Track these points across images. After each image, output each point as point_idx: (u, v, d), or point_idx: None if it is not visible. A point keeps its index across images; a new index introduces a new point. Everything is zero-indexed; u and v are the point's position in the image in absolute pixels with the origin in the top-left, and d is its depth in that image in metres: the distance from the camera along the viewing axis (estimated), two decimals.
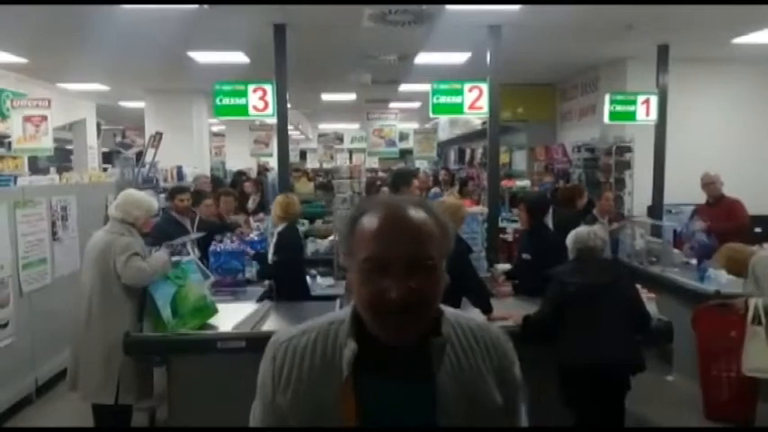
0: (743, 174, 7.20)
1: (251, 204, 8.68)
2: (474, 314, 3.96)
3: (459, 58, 7.86)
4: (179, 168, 8.91)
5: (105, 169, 10.55)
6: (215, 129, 16.76)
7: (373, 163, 18.40)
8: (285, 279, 4.59)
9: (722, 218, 5.95)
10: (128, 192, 4.10)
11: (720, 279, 4.87)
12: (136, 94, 11.43)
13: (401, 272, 1.07)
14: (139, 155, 8.39)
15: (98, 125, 12.59)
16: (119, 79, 10.07)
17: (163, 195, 8.08)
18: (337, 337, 1.17)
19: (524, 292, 4.43)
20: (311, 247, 6.64)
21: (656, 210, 7.34)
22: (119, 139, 13.50)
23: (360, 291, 1.11)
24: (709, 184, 6.32)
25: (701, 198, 6.47)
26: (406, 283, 1.07)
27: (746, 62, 7.99)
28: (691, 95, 7.93)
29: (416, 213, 1.13)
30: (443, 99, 6.45)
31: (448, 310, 1.24)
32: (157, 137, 7.89)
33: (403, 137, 12.16)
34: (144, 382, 3.93)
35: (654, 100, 7.23)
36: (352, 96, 12.35)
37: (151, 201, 4.12)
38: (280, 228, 4.68)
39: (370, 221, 1.13)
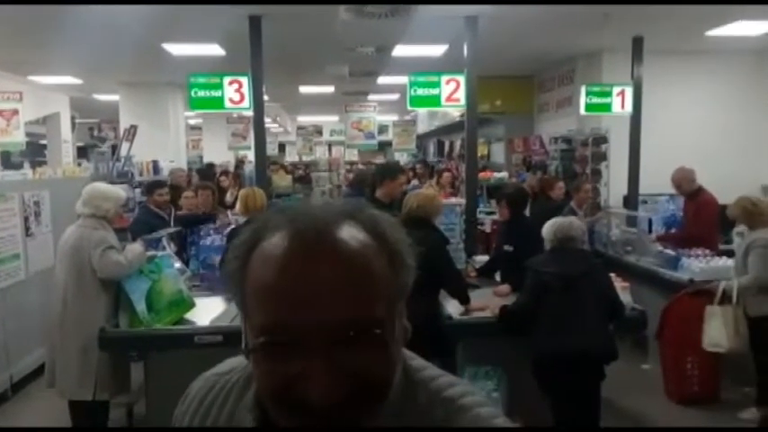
0: (717, 164, 7.31)
1: (229, 198, 8.62)
2: (452, 305, 3.99)
3: (437, 50, 7.87)
4: (155, 162, 8.82)
5: (80, 164, 10.40)
6: (192, 122, 16.59)
7: (353, 156, 18.40)
8: None
9: (695, 212, 5.79)
10: (92, 186, 4.03)
11: (693, 267, 4.95)
12: (110, 87, 11.25)
13: (324, 351, 0.65)
14: (115, 149, 8.29)
15: (72, 119, 12.38)
16: (92, 72, 9.89)
17: (138, 190, 8.02)
18: (242, 396, 0.83)
19: (507, 283, 4.46)
20: None
21: (631, 200, 7.43)
22: (96, 132, 13.33)
23: (258, 376, 0.71)
24: (678, 187, 5.85)
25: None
26: (334, 367, 0.65)
27: (720, 54, 8.10)
28: (665, 87, 8.02)
29: (349, 238, 0.69)
30: (421, 91, 6.45)
31: (429, 374, 0.80)
32: (132, 130, 7.80)
33: (382, 129, 12.15)
34: (121, 377, 3.90)
35: (629, 92, 7.30)
36: (330, 89, 12.30)
37: (118, 190, 4.05)
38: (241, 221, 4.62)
39: (266, 259, 0.69)
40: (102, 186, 4.05)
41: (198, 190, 6.27)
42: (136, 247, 3.86)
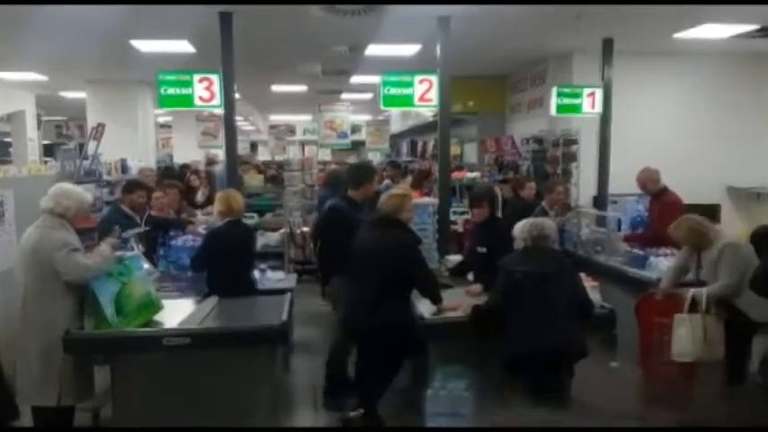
0: (683, 165, 7.44)
1: (200, 197, 8.50)
2: (425, 305, 3.99)
3: (410, 49, 7.87)
4: (123, 161, 8.66)
5: (46, 162, 10.16)
6: (161, 120, 16.34)
7: (326, 155, 18.30)
8: (215, 274, 4.44)
9: (660, 211, 5.81)
10: (59, 184, 3.95)
11: (661, 267, 5.02)
12: (77, 85, 11.02)
13: None
14: (82, 147, 8.12)
15: (38, 116, 12.11)
16: (58, 69, 9.68)
17: (106, 189, 7.86)
18: None
19: (481, 285, 4.47)
20: (261, 240, 6.56)
21: (600, 200, 7.53)
22: (64, 131, 13.06)
23: None
24: (642, 187, 5.99)
25: None
26: None
27: (687, 56, 8.26)
28: (634, 88, 8.15)
29: None
30: (394, 91, 6.44)
31: None
32: (99, 129, 7.64)
33: (355, 129, 12.15)
34: (85, 381, 3.81)
35: (599, 93, 7.40)
36: (303, 88, 12.23)
37: (83, 193, 3.96)
38: (218, 223, 4.56)
39: None
40: (68, 185, 3.96)
41: (165, 189, 6.15)
42: (104, 250, 3.77)
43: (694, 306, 4.07)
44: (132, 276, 3.79)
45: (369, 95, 13.09)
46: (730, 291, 4.03)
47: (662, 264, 5.05)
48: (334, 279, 4.69)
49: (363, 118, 14.24)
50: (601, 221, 6.75)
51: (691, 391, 4.52)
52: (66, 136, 12.37)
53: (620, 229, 6.47)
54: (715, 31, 7.02)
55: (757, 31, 6.99)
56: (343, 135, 11.07)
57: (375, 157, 16.02)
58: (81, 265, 3.59)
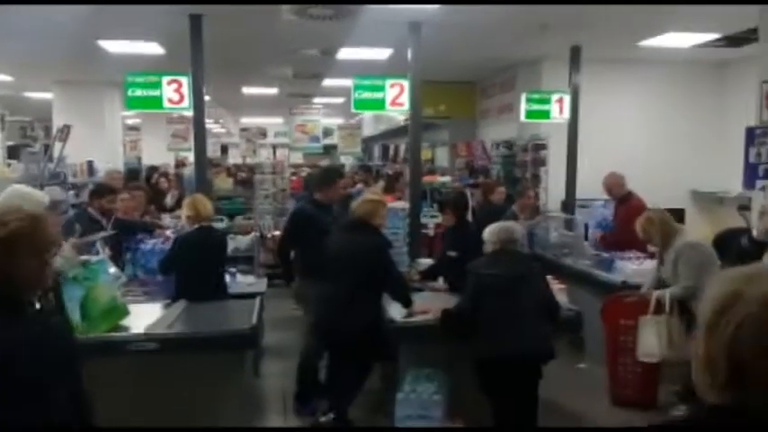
0: (649, 170, 7.61)
1: (169, 200, 8.39)
2: (395, 309, 4.01)
3: (382, 54, 7.90)
4: (90, 163, 8.51)
5: (9, 164, 9.92)
6: (130, 122, 16.10)
7: (298, 159, 18.23)
8: (183, 278, 4.37)
9: (626, 216, 5.93)
10: (14, 186, 3.85)
11: (626, 269, 5.12)
12: (43, 85, 10.80)
13: None
14: (47, 149, 7.96)
15: (2, 117, 11.81)
16: (23, 69, 9.48)
17: (72, 192, 7.72)
18: None
19: (452, 289, 4.50)
20: (231, 244, 6.49)
21: (569, 204, 7.64)
22: (29, 131, 12.76)
23: None
24: (608, 191, 6.20)
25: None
26: None
27: (652, 64, 8.44)
28: (601, 95, 8.29)
29: None
30: (365, 95, 6.46)
31: None
32: (65, 130, 7.50)
33: (327, 132, 12.11)
34: None
35: (567, 99, 7.51)
36: (274, 91, 12.17)
37: (41, 195, 3.87)
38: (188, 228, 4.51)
39: None
40: (24, 188, 3.86)
41: (132, 192, 6.07)
42: (64, 249, 3.70)
43: (659, 308, 4.14)
44: (98, 281, 3.72)
45: (341, 99, 13.09)
46: (690, 293, 4.06)
47: (627, 267, 5.16)
48: (302, 282, 4.70)
49: (336, 122, 14.22)
50: (569, 225, 6.86)
51: (656, 393, 4.62)
52: (31, 137, 12.09)
53: (587, 234, 6.59)
54: (678, 39, 7.20)
55: (718, 40, 7.19)
56: (315, 139, 11.04)
57: (347, 161, 16.01)
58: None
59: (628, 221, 5.63)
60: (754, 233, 4.43)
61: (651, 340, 4.11)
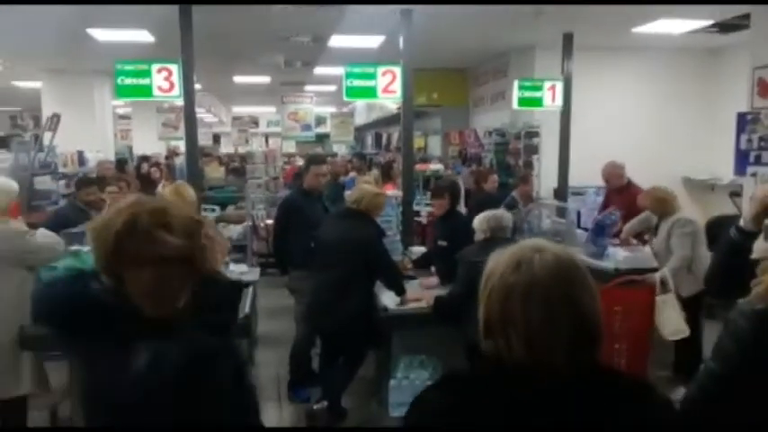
0: (641, 156, 7.60)
1: (161, 190, 8.33)
2: (388, 297, 4.01)
3: (374, 41, 7.85)
4: (80, 153, 8.45)
5: None
6: (121, 111, 15.97)
7: (290, 148, 18.17)
8: None
9: (626, 206, 6.05)
10: None
11: (618, 256, 5.13)
12: (32, 74, 10.68)
13: None
14: (37, 138, 7.89)
15: None
16: (11, 58, 9.37)
17: (63, 182, 7.66)
18: None
19: (442, 278, 4.51)
20: (224, 233, 6.49)
21: (561, 192, 7.65)
22: (19, 121, 12.67)
23: None
24: (607, 181, 6.19)
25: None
26: None
27: (645, 51, 8.43)
28: (594, 82, 8.29)
29: None
30: (357, 82, 6.41)
31: None
32: (55, 119, 7.43)
33: (320, 121, 12.08)
34: (39, 371, 3.72)
35: (559, 86, 7.50)
36: (266, 79, 12.09)
37: (11, 183, 3.84)
38: None
39: None
40: None
41: (118, 183, 6.02)
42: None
43: (664, 287, 4.28)
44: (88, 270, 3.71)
45: (332, 87, 13.01)
46: (686, 262, 4.32)
47: (619, 254, 5.16)
48: (293, 271, 4.70)
49: (328, 110, 14.15)
50: (561, 212, 6.87)
51: (646, 376, 4.65)
52: (20, 127, 12.01)
53: (579, 221, 6.60)
54: (671, 26, 7.19)
55: (711, 26, 7.19)
56: (308, 127, 11.02)
57: (340, 150, 15.96)
58: (52, 240, 3.58)
59: (631, 211, 5.70)
60: (741, 222, 4.45)
61: (674, 316, 4.20)
